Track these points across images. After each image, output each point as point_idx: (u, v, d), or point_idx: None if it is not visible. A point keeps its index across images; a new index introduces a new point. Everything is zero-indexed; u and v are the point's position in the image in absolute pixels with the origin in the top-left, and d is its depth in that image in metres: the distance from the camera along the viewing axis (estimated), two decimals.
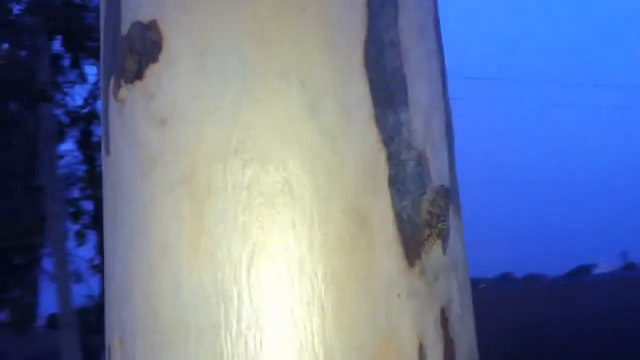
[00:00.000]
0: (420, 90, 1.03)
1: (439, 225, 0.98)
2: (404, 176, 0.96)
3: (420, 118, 1.01)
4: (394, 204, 0.94)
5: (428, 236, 0.98)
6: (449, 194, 1.00)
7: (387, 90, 0.97)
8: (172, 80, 0.93)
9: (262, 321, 0.87)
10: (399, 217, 0.94)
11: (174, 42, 0.94)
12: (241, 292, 0.87)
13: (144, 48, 0.96)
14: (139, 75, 0.96)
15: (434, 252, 0.98)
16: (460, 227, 1.08)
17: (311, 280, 0.88)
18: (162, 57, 0.94)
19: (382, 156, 0.95)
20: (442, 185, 1.00)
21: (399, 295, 0.92)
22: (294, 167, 0.89)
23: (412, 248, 0.95)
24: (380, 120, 0.95)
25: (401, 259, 0.94)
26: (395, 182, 0.95)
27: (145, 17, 0.97)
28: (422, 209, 0.98)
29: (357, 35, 0.96)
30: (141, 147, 0.95)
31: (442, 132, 1.07)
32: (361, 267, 0.90)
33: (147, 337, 0.91)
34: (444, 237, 0.99)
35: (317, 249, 0.88)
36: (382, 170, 0.94)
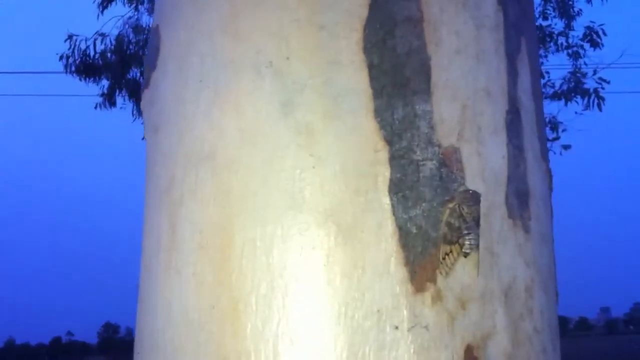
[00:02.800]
0: (456, 74, 0.83)
1: (462, 240, 0.78)
2: (416, 180, 0.78)
3: (453, 108, 0.82)
4: (395, 214, 0.77)
5: (447, 254, 0.78)
6: (476, 201, 0.79)
7: (396, 77, 0.80)
8: (163, 86, 0.88)
9: (220, 350, 0.77)
10: (402, 230, 0.77)
11: (165, 46, 0.89)
12: (205, 313, 0.78)
13: (150, 55, 0.93)
14: (147, 83, 0.93)
15: (458, 274, 0.78)
16: (528, 242, 0.85)
17: (275, 302, 0.75)
18: (159, 63, 0.90)
19: (382, 156, 0.78)
20: (468, 190, 0.79)
21: (396, 327, 0.75)
22: (261, 171, 0.78)
23: (422, 268, 0.77)
24: (381, 113, 0.79)
25: (403, 282, 0.76)
26: (400, 187, 0.78)
27: (155, 21, 0.94)
28: (441, 220, 0.78)
29: (354, 13, 0.81)
30: (147, 156, 0.92)
31: (498, 124, 0.85)
32: (340, 291, 0.75)
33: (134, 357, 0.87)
34: (471, 255, 0.78)
35: (284, 266, 0.76)
36: (380, 173, 0.78)
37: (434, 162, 0.79)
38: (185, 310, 0.79)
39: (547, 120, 7.56)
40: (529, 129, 0.89)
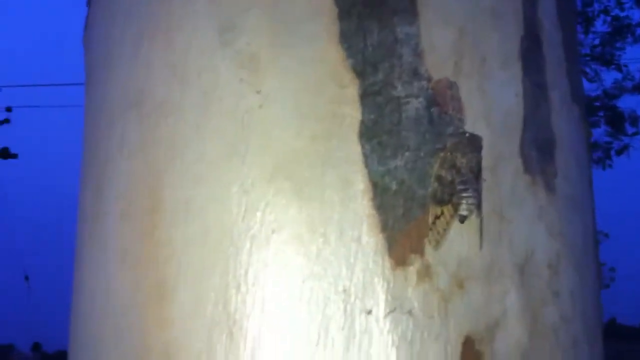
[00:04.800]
0: None
1: (457, 198, 0.59)
2: (397, 122, 0.60)
3: (447, 31, 0.63)
4: (368, 166, 0.59)
5: (437, 217, 0.59)
6: (475, 147, 0.60)
7: None
8: (96, 25, 0.73)
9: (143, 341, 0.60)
10: (378, 187, 0.59)
11: None
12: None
13: None
14: (85, 23, 0.78)
15: (454, 244, 0.59)
16: (553, 204, 0.65)
17: (211, 282, 0.59)
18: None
19: (350, 93, 0.60)
20: (464, 133, 0.60)
21: (369, 312, 0.57)
22: (194, 116, 0.61)
23: (405, 236, 0.59)
24: (349, 38, 0.61)
25: (378, 254, 0.58)
26: (375, 132, 0.60)
27: None
28: (430, 174, 0.60)
29: None
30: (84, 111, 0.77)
31: (510, 53, 0.66)
32: (295, 266, 0.58)
33: None
34: (470, 219, 0.59)
35: (222, 234, 0.59)
36: (348, 114, 0.60)
37: (421, 99, 0.61)
38: (107, 293, 0.63)
39: (626, 115, 7.13)
40: (554, 62, 0.70)
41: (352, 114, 0.60)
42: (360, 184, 0.59)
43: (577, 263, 0.66)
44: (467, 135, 0.60)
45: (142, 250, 0.61)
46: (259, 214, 0.58)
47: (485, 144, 0.62)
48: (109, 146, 0.66)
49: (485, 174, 0.61)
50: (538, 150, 0.65)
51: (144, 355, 0.59)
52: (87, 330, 0.65)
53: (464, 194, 0.59)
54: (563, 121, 0.69)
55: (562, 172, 0.67)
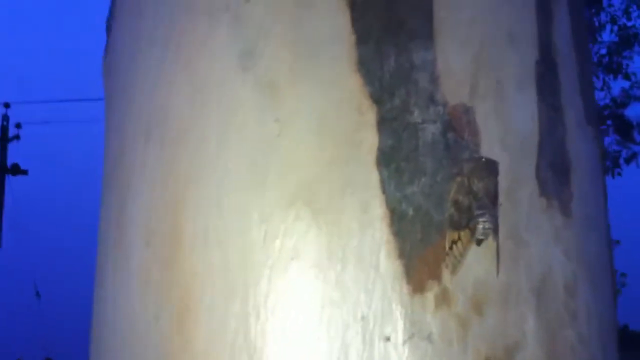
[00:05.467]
0: (467, 13, 0.65)
1: (474, 223, 0.59)
2: (414, 148, 0.61)
3: (464, 56, 0.64)
4: (385, 192, 0.60)
5: (454, 242, 0.60)
6: (491, 171, 0.60)
7: (387, 17, 0.63)
8: (118, 49, 0.74)
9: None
10: (395, 213, 0.59)
11: (121, 3, 0.75)
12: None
13: (109, 17, 0.79)
14: (105, 50, 0.79)
15: (471, 269, 0.60)
16: (569, 227, 0.66)
17: (232, 309, 0.59)
18: (114, 24, 0.76)
19: (368, 119, 0.61)
20: (480, 158, 0.61)
21: (387, 339, 0.58)
22: (214, 142, 0.62)
23: (422, 262, 0.59)
24: (367, 64, 0.62)
25: (396, 280, 0.59)
26: (392, 158, 0.60)
27: None
28: (447, 199, 0.61)
29: None
30: (104, 135, 0.78)
31: (525, 77, 0.66)
32: (314, 292, 0.58)
33: None
34: (487, 243, 0.60)
35: (243, 262, 0.60)
36: (365, 140, 0.60)
37: (438, 125, 0.61)
38: (130, 321, 0.64)
39: (633, 124, 7.09)
40: (568, 86, 0.70)
41: (370, 139, 0.60)
42: (378, 209, 0.59)
43: (593, 282, 0.66)
44: (483, 160, 0.61)
45: (164, 278, 0.62)
46: (278, 241, 0.59)
47: (501, 167, 0.62)
48: (130, 172, 0.67)
49: (501, 198, 0.62)
50: (554, 173, 0.66)
51: None
52: (107, 354, 0.66)
53: (481, 219, 0.59)
54: (578, 142, 0.69)
55: (578, 193, 0.67)
